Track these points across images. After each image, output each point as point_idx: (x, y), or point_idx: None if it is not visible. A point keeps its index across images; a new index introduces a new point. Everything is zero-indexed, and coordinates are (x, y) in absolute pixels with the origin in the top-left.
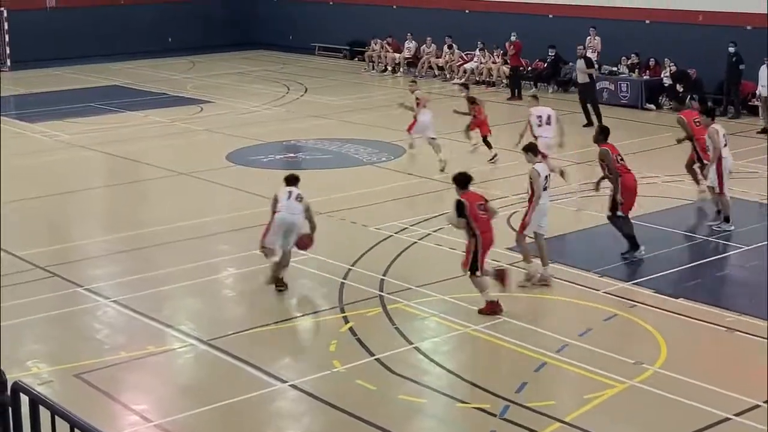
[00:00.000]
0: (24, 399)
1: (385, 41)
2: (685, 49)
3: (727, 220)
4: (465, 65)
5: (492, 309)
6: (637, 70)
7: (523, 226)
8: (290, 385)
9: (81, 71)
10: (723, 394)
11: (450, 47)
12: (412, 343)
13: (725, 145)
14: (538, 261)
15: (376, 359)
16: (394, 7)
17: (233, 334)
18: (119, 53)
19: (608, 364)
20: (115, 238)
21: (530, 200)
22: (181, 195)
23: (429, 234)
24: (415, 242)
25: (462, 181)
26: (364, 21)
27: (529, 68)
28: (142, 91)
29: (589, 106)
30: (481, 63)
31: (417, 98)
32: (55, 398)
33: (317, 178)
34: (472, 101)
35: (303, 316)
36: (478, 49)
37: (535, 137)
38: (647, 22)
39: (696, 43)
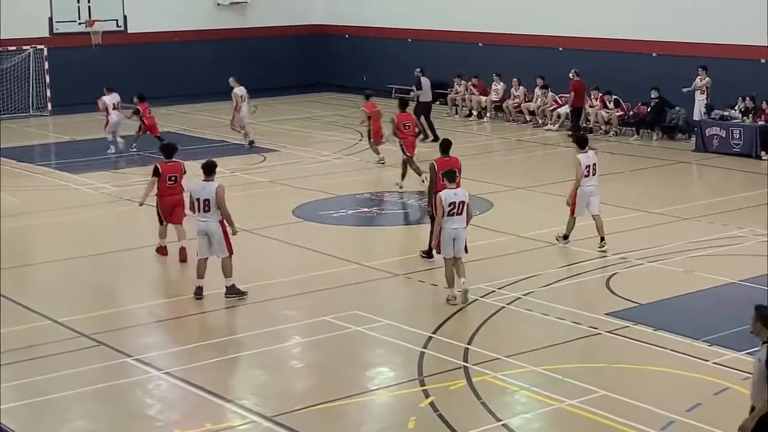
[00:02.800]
0: None
1: (470, 83)
2: None
3: None
4: (559, 109)
5: None
6: (751, 114)
7: None
8: None
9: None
10: None
11: (543, 89)
12: (500, 420)
13: None
14: None
15: None
16: (480, 44)
17: (301, 409)
18: (172, 95)
19: None
20: (168, 302)
21: None
22: (242, 254)
23: (519, 298)
24: (504, 307)
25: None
26: (446, 60)
27: (630, 113)
28: (198, 138)
29: (423, 120)
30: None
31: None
32: None
33: (394, 235)
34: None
35: (379, 389)
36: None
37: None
38: (762, 61)
39: None
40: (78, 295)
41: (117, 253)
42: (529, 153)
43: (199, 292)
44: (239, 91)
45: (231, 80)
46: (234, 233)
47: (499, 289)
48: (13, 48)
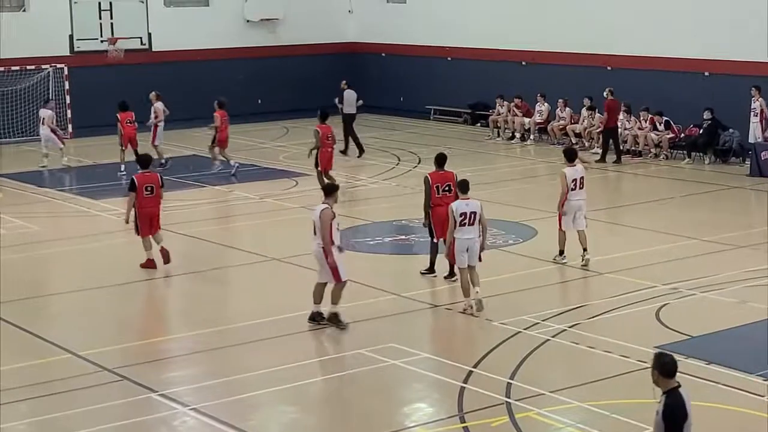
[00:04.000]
0: None
1: (512, 103)
2: None
3: None
4: None
5: None
6: None
7: None
8: None
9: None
10: None
11: (589, 110)
12: None
13: None
14: None
15: None
16: (523, 63)
17: None
18: (198, 117)
19: None
20: (193, 335)
21: None
22: (272, 284)
23: (564, 330)
24: (548, 340)
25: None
26: (488, 80)
27: (682, 135)
28: (226, 161)
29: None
30: (625, 129)
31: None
32: None
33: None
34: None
35: (416, 426)
36: (622, 113)
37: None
38: None
39: None
40: (100, 326)
41: (140, 283)
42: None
43: (313, 318)
44: (160, 105)
45: (152, 95)
46: (330, 263)
47: (543, 321)
48: (32, 67)
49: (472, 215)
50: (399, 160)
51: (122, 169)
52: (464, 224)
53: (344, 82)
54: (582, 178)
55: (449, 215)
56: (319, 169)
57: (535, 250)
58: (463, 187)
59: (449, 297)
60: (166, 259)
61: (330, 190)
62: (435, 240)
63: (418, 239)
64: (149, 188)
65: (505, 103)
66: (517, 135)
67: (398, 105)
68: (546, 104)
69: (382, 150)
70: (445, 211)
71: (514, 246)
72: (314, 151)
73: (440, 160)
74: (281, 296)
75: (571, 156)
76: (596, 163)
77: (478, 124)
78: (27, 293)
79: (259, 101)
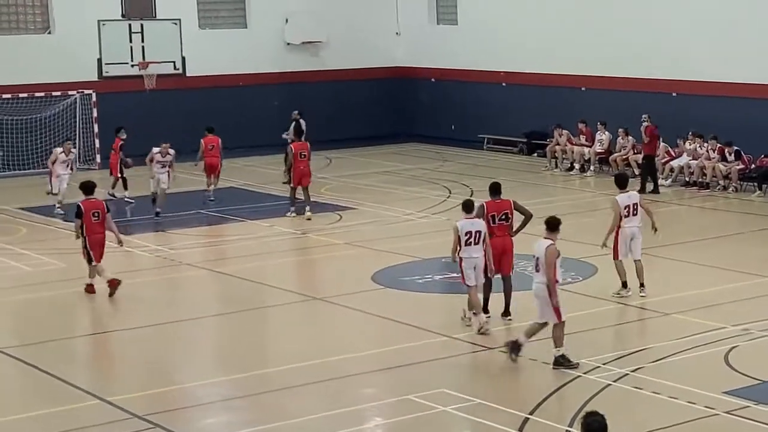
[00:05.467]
0: None
1: (571, 132)
2: None
3: None
4: (672, 162)
5: None
6: None
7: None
8: None
9: (187, 169)
10: None
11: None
12: None
13: None
14: None
15: None
16: (583, 89)
17: None
18: (236, 147)
19: None
20: (231, 379)
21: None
22: (314, 325)
23: (627, 374)
24: (610, 384)
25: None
26: (545, 107)
27: (752, 166)
28: (266, 194)
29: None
30: (692, 159)
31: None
32: None
33: (489, 305)
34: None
35: None
36: (688, 141)
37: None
38: None
39: None
40: (130, 370)
41: (173, 324)
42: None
43: (560, 362)
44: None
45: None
46: (554, 303)
47: (604, 364)
48: (58, 93)
49: (477, 234)
50: (450, 193)
51: (211, 196)
52: (470, 243)
53: (296, 112)
54: (636, 204)
55: (454, 234)
56: (292, 185)
57: (595, 289)
58: (467, 207)
59: (504, 338)
60: (114, 290)
61: (554, 226)
62: (489, 275)
63: None
64: (96, 214)
65: (564, 131)
66: (576, 166)
67: (449, 134)
68: (607, 133)
69: (432, 182)
70: (500, 242)
71: (572, 284)
72: (289, 170)
73: (495, 188)
74: (325, 338)
75: (622, 182)
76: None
77: (535, 154)
78: (52, 335)
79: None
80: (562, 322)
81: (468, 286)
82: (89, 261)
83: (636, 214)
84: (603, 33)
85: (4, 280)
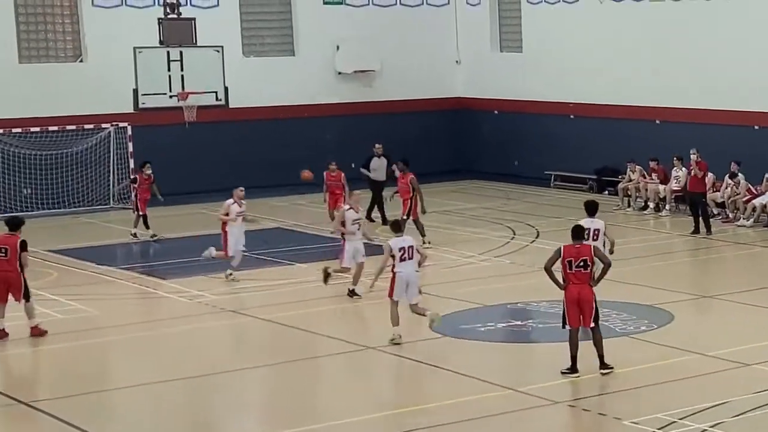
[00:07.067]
0: None
1: (646, 168)
2: None
3: None
4: (754, 200)
5: None
6: None
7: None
8: None
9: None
10: None
11: (733, 176)
12: None
13: None
14: None
15: None
16: (658, 122)
17: None
18: (281, 184)
19: None
20: None
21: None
22: (367, 377)
23: (705, 430)
24: None
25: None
26: (617, 141)
27: None
28: (314, 235)
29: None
30: None
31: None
32: None
33: (552, 354)
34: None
35: None
36: None
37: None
38: None
39: None
40: (169, 425)
41: (215, 376)
42: (717, 254)
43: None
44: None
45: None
46: None
47: (680, 419)
48: (90, 126)
49: (410, 249)
50: (514, 234)
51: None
52: (404, 258)
53: (378, 146)
54: (597, 230)
55: (386, 252)
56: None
57: (670, 339)
58: (396, 226)
59: (573, 392)
60: (36, 333)
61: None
62: (569, 327)
63: (537, 325)
64: (3, 250)
65: (637, 167)
66: (651, 204)
67: (513, 170)
68: (684, 169)
69: (495, 222)
70: (577, 291)
71: (646, 333)
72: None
73: (578, 232)
74: (379, 391)
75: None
76: (690, 234)
77: (606, 192)
78: (86, 388)
79: (353, 165)
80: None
81: (392, 300)
82: None
83: (596, 240)
84: (679, 61)
85: None
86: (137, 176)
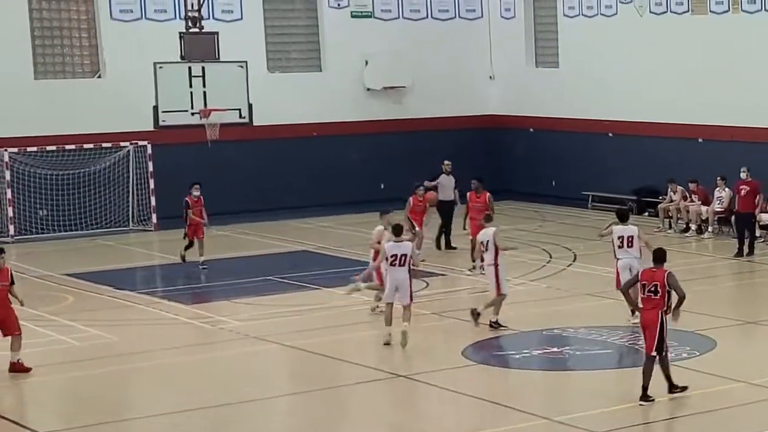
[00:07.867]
0: None
1: (687, 189)
2: None
3: None
4: None
5: None
6: None
7: None
8: None
9: (255, 230)
10: None
11: None
12: None
13: None
14: None
15: None
16: (700, 140)
17: None
18: (310, 205)
19: None
20: None
21: None
22: (398, 406)
23: None
24: None
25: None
26: (657, 160)
27: None
28: (343, 259)
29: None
30: None
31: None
32: None
33: (592, 382)
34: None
35: None
36: None
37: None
38: None
39: None
40: None
41: (239, 405)
42: (762, 278)
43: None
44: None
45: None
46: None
47: None
48: (108, 145)
49: (403, 257)
50: (550, 257)
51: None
52: (395, 264)
53: (447, 162)
54: (631, 237)
55: (380, 255)
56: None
57: (714, 366)
58: (397, 231)
59: (610, 422)
60: (19, 369)
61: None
62: (652, 354)
63: (574, 352)
64: None
65: (678, 188)
66: (693, 226)
67: (549, 190)
68: (727, 190)
69: (531, 244)
70: (653, 315)
71: (688, 360)
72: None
73: (659, 256)
74: (410, 421)
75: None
76: (734, 257)
77: (646, 213)
78: (102, 417)
79: (382, 186)
80: None
81: (386, 303)
82: None
83: (631, 246)
84: (722, 77)
85: (49, 355)
86: (187, 199)
